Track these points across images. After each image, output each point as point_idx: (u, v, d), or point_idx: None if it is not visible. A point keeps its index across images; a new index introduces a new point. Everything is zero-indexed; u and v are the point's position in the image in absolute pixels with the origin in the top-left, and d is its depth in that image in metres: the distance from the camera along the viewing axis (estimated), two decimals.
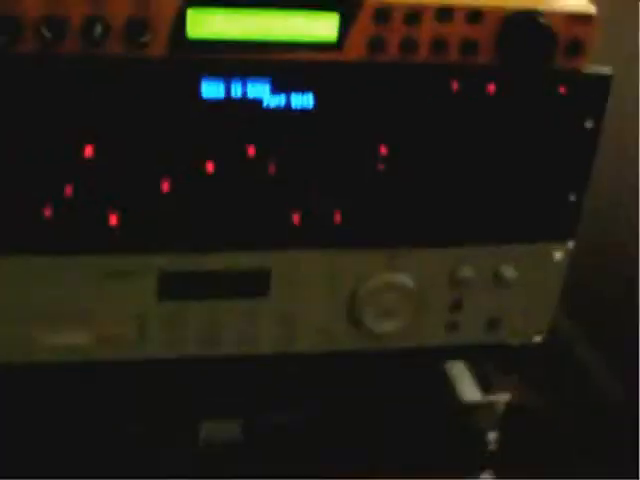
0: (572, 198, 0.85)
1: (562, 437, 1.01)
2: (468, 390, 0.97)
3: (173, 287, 0.80)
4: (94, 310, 0.80)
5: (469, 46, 0.78)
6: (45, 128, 0.74)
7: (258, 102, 0.77)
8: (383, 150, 0.80)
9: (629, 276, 1.12)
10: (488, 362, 0.98)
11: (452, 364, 0.99)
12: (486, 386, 0.97)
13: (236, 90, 0.76)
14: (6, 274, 0.77)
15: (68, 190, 0.76)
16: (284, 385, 0.91)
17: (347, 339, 0.86)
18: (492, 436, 0.97)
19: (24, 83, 0.72)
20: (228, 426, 0.90)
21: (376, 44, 0.76)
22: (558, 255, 0.88)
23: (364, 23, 0.76)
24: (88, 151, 0.75)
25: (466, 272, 0.86)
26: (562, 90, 0.81)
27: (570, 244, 0.88)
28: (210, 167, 0.77)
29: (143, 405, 0.89)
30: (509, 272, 0.87)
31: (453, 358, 0.98)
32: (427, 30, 0.77)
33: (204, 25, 0.73)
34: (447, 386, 0.97)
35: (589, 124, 0.82)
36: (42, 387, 0.86)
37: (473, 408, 0.95)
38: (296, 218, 0.80)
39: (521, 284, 0.88)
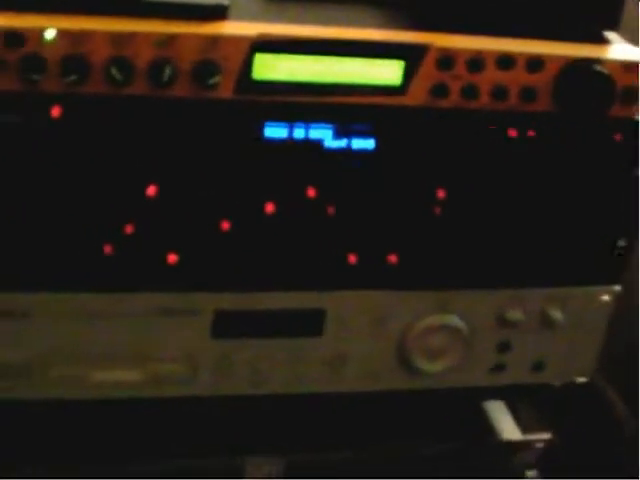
0: (621, 243, 0.85)
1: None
2: (507, 429, 0.97)
3: (228, 325, 0.81)
4: (147, 347, 0.80)
5: (528, 93, 0.78)
6: (110, 167, 0.74)
7: (320, 143, 0.77)
8: (441, 194, 0.80)
9: None
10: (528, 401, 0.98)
11: (491, 403, 0.98)
12: (525, 425, 0.97)
13: (299, 132, 0.76)
14: (63, 311, 0.77)
15: (129, 228, 0.76)
16: (328, 424, 0.91)
17: (395, 379, 0.87)
18: (531, 474, 0.97)
19: (92, 122, 0.72)
20: (272, 463, 0.89)
21: (439, 90, 0.77)
22: (605, 298, 0.88)
23: (428, 69, 0.76)
24: (151, 190, 0.75)
25: (515, 314, 0.86)
26: (617, 137, 0.81)
27: (617, 288, 0.88)
28: (270, 207, 0.77)
29: (189, 441, 0.88)
30: (557, 314, 0.87)
31: (496, 398, 0.98)
32: (488, 77, 0.77)
33: (270, 68, 0.74)
34: (487, 425, 0.97)
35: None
36: (91, 423, 0.85)
37: (513, 447, 0.95)
38: (352, 259, 0.80)
39: (568, 326, 0.88)
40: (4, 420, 0.84)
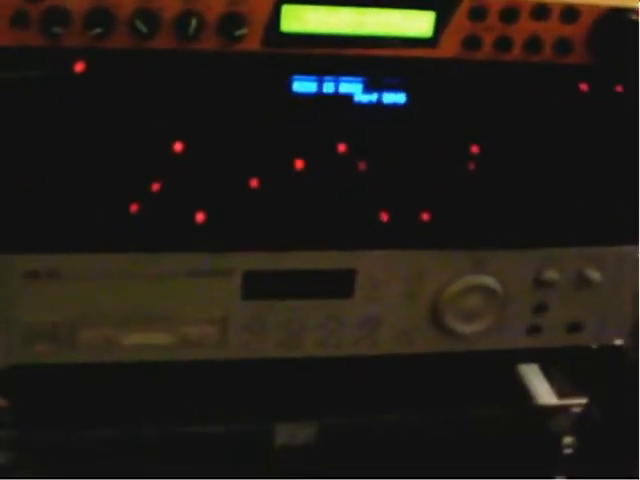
0: None
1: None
2: (543, 393, 0.95)
3: (257, 286, 0.79)
4: (177, 310, 0.79)
5: (563, 44, 0.76)
6: (135, 123, 0.73)
7: (349, 98, 0.75)
8: (474, 149, 0.78)
9: None
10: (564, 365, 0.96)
11: (526, 366, 0.96)
12: (562, 389, 0.95)
13: (328, 86, 0.75)
14: (91, 272, 0.76)
15: (155, 186, 0.74)
16: (361, 388, 0.90)
17: (429, 341, 0.85)
18: (567, 440, 0.95)
19: (116, 77, 0.71)
20: (304, 429, 0.88)
21: (471, 42, 0.75)
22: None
23: (459, 20, 0.74)
24: (177, 147, 0.74)
25: (551, 274, 0.84)
26: None
27: None
28: (299, 164, 0.76)
29: (220, 405, 0.87)
30: (593, 274, 0.85)
31: (531, 360, 0.96)
32: (522, 28, 0.75)
33: (298, 20, 0.72)
34: (522, 389, 0.95)
35: None
36: (120, 387, 0.84)
37: (548, 412, 0.93)
38: (384, 217, 0.78)
39: (604, 287, 0.86)
40: (34, 385, 0.83)
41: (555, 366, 0.97)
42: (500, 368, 0.95)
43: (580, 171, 0.81)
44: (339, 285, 0.81)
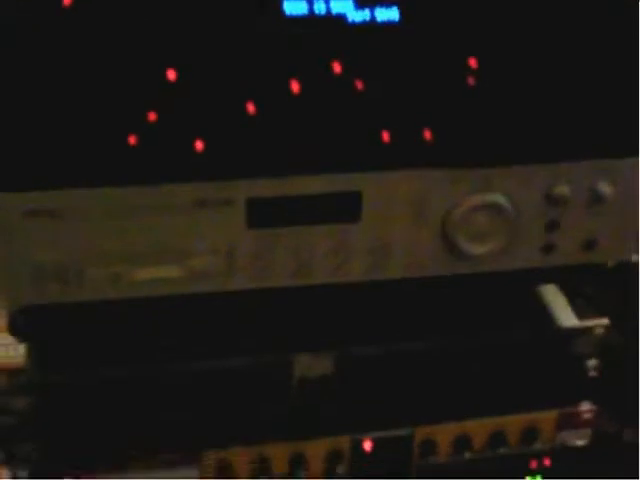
0: None
1: None
2: (564, 315, 0.93)
3: (262, 214, 0.78)
4: (183, 242, 0.78)
5: None
6: (125, 52, 0.72)
7: (342, 17, 0.74)
8: (472, 63, 0.77)
9: None
10: (585, 286, 0.95)
11: (546, 288, 0.95)
12: (582, 311, 0.93)
13: (319, 6, 0.74)
14: (94, 207, 0.76)
15: (152, 116, 0.74)
16: (377, 317, 0.89)
17: (441, 264, 0.84)
18: (591, 363, 0.94)
19: (105, 7, 0.70)
20: (321, 360, 0.87)
21: None
22: None
23: None
24: (171, 75, 0.73)
25: (562, 190, 0.83)
26: None
27: None
28: (295, 87, 0.75)
29: (235, 339, 0.87)
30: (606, 188, 0.83)
31: (548, 281, 0.94)
32: None
33: None
34: (543, 311, 0.93)
35: None
36: (131, 324, 0.84)
37: (571, 334, 0.92)
38: (385, 136, 0.77)
39: (618, 201, 0.85)
40: (47, 327, 0.83)
41: (574, 289, 0.95)
42: (519, 291, 0.93)
43: (588, 78, 0.79)
44: (345, 209, 0.80)
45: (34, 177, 0.75)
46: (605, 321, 0.93)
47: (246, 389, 0.87)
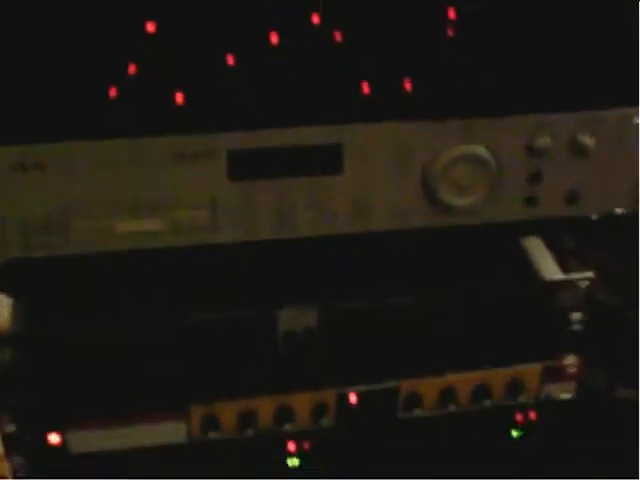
0: None
1: None
2: (549, 269, 0.93)
3: (243, 166, 0.79)
4: (166, 196, 0.79)
5: None
6: (106, 5, 0.72)
7: None
8: (451, 14, 0.77)
9: None
10: (568, 239, 0.95)
11: (530, 242, 0.95)
12: (567, 264, 0.94)
13: None
14: (77, 160, 0.76)
15: (132, 68, 0.74)
16: (362, 270, 0.89)
17: (423, 216, 0.84)
18: (576, 317, 0.94)
19: None
20: (306, 313, 0.88)
21: None
22: (638, 121, 0.84)
23: None
24: (150, 27, 0.73)
25: (543, 141, 0.83)
26: None
27: None
28: (274, 38, 0.75)
29: (219, 293, 0.87)
30: (587, 140, 0.84)
31: (532, 234, 0.94)
32: None
33: None
34: (527, 265, 0.94)
35: None
36: (118, 277, 0.84)
37: (555, 286, 0.92)
38: (365, 88, 0.78)
39: (600, 153, 0.85)
40: (33, 280, 0.83)
41: (558, 241, 0.96)
42: (504, 245, 0.94)
43: (570, 29, 0.79)
44: (326, 161, 0.80)
45: (17, 131, 0.75)
46: (590, 274, 0.93)
47: (231, 343, 0.87)
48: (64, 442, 0.87)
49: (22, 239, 0.79)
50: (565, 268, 0.94)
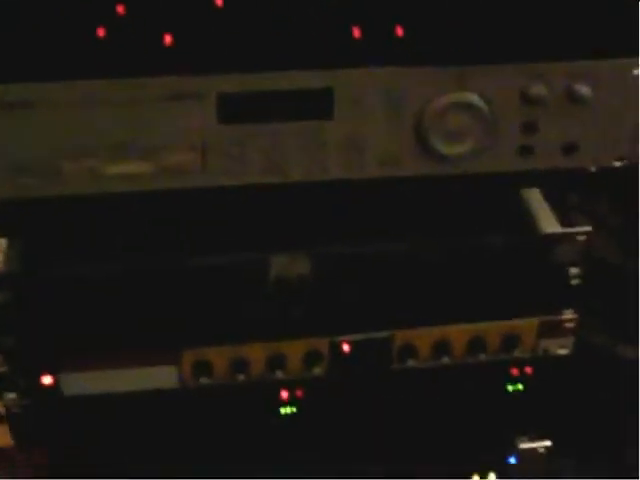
0: None
1: None
2: (547, 222, 0.93)
3: (233, 109, 0.79)
4: (156, 138, 0.79)
5: None
6: None
7: None
8: None
9: None
10: (567, 192, 0.94)
11: (528, 195, 0.94)
12: (566, 218, 0.93)
13: None
14: (65, 100, 0.76)
15: (120, 8, 0.74)
16: (355, 216, 0.89)
17: (416, 163, 0.84)
18: (574, 271, 0.93)
19: None
20: (298, 259, 0.87)
21: None
22: (637, 73, 0.83)
23: None
24: None
25: (538, 90, 0.82)
26: None
27: None
28: None
29: (210, 239, 0.87)
30: (584, 90, 0.82)
31: (527, 185, 0.94)
32: None
33: None
34: (525, 217, 0.93)
35: None
36: (111, 220, 0.85)
37: (553, 240, 0.91)
38: (356, 32, 0.77)
39: (597, 104, 0.84)
40: (26, 223, 0.84)
41: (557, 195, 0.95)
42: (501, 197, 0.93)
43: None
44: (317, 105, 0.80)
45: (6, 70, 0.75)
46: (588, 228, 0.92)
47: (223, 289, 0.87)
48: (56, 383, 0.88)
49: (12, 179, 0.79)
50: (564, 222, 0.93)
